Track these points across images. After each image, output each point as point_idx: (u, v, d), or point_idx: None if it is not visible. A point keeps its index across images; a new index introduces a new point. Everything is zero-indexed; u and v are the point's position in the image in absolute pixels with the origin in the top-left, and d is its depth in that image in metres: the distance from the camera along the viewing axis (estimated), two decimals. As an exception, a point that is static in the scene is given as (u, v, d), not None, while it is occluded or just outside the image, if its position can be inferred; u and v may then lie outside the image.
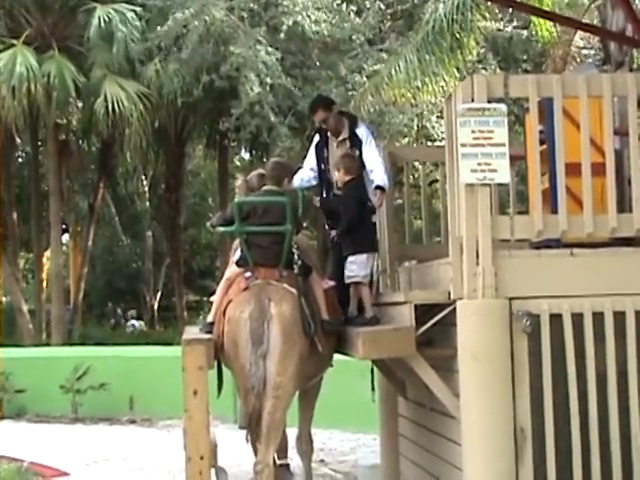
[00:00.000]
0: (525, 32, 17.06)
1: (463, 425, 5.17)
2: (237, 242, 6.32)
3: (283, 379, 5.54)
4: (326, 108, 6.88)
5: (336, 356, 6.46)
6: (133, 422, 12.12)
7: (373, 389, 7.17)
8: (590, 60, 16.50)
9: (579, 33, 16.36)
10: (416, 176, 13.69)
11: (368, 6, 17.46)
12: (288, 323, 5.60)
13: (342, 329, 6.18)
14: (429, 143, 17.20)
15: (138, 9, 18.05)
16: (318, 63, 17.20)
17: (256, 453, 5.68)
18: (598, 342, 5.17)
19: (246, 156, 23.76)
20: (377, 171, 6.58)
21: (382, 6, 17.66)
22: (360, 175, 6.56)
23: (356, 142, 6.72)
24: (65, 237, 27.81)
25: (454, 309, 5.25)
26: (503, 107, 5.22)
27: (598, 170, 5.27)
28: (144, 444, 10.37)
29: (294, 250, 5.87)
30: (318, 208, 7.10)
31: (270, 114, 16.21)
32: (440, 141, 16.10)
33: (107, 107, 17.58)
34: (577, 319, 5.18)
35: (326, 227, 7.30)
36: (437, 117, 16.92)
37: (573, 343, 5.16)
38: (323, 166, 6.88)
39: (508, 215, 5.51)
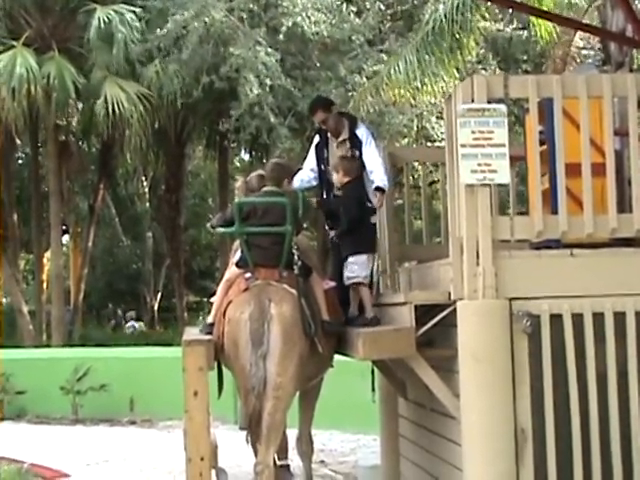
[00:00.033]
0: (525, 33, 17.05)
1: (463, 426, 5.17)
2: (237, 243, 6.33)
3: (283, 380, 5.54)
4: (326, 109, 6.88)
5: (336, 357, 6.47)
6: (133, 423, 12.11)
7: (373, 390, 7.17)
8: (590, 60, 16.51)
9: (579, 33, 16.38)
10: (416, 177, 13.69)
11: (368, 7, 17.46)
12: (288, 324, 5.60)
13: (342, 330, 6.18)
14: (429, 144, 17.20)
15: (138, 10, 18.03)
16: (318, 64, 17.19)
17: (256, 454, 5.68)
18: (598, 342, 5.18)
19: (246, 157, 23.76)
20: (377, 172, 6.58)
21: (382, 7, 17.64)
22: (359, 176, 6.56)
23: (356, 143, 6.72)
24: (65, 238, 27.80)
25: (454, 310, 5.25)
26: (503, 108, 5.22)
27: (598, 170, 5.27)
28: (144, 445, 10.37)
29: (294, 251, 5.88)
30: (318, 209, 7.10)
31: (270, 115, 16.21)
32: (440, 142, 16.10)
33: (107, 108, 17.57)
34: (577, 319, 5.18)
35: (326, 228, 7.30)
36: (437, 118, 16.92)
37: (573, 343, 5.16)
38: (323, 167, 6.88)
39: (508, 216, 5.51)
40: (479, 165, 5.14)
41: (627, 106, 5.36)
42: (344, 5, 17.00)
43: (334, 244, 6.77)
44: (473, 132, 5.16)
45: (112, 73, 18.03)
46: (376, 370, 7.05)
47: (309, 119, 12.09)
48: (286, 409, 5.74)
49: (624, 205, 5.47)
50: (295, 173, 6.79)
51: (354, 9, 17.17)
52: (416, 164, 8.70)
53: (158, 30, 16.90)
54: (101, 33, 17.93)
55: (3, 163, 21.28)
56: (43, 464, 8.79)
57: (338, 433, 10.29)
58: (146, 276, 30.31)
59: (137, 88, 17.84)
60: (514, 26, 17.35)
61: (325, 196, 6.90)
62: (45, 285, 24.12)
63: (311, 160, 7.02)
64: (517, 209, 7.16)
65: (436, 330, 5.52)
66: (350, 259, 6.37)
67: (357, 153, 6.67)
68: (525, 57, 18.53)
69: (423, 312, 5.53)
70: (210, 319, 6.17)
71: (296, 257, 5.88)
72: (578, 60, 17.24)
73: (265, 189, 6.19)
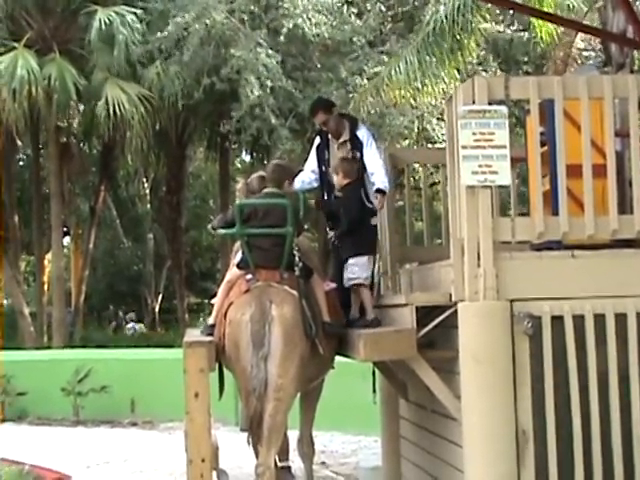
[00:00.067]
0: (526, 34, 17.05)
1: (464, 427, 5.17)
2: (238, 244, 6.33)
3: (284, 381, 5.54)
4: (326, 110, 6.88)
5: (337, 358, 6.47)
6: (134, 424, 12.11)
7: (374, 391, 7.16)
8: (591, 62, 16.51)
9: (580, 35, 16.37)
10: (417, 178, 13.69)
11: (369, 8, 17.45)
12: (289, 325, 5.60)
13: (343, 331, 6.18)
14: (430, 145, 17.19)
15: (139, 12, 18.05)
16: (319, 65, 17.19)
17: (257, 455, 5.67)
18: (599, 344, 5.18)
19: (247, 158, 23.77)
20: (378, 174, 6.58)
21: (383, 8, 17.64)
22: (360, 178, 6.56)
23: (357, 144, 6.72)
24: (66, 240, 27.80)
25: (455, 311, 5.25)
26: (504, 109, 5.23)
27: (599, 172, 5.27)
28: (145, 446, 10.37)
29: (295, 252, 5.88)
30: (319, 210, 7.10)
31: (271, 116, 16.21)
32: (441, 143, 16.09)
33: (108, 110, 17.58)
34: (578, 321, 5.18)
35: (327, 229, 7.30)
36: (438, 119, 16.92)
37: (574, 345, 5.16)
38: (324, 168, 6.88)
39: (509, 217, 5.51)
40: (480, 166, 5.15)
41: (628, 107, 5.36)
42: (345, 7, 17.00)
43: (335, 246, 6.77)
44: (474, 133, 5.16)
45: (113, 75, 18.03)
46: (377, 371, 7.05)
47: (310, 120, 12.08)
48: (287, 411, 5.74)
49: (625, 206, 5.47)
50: (296, 175, 6.78)
51: (355, 11, 17.16)
52: (417, 165, 8.70)
53: (159, 32, 16.91)
54: (102, 35, 17.94)
55: (4, 165, 21.27)
56: (44, 466, 8.77)
57: (339, 434, 10.28)
58: (147, 278, 30.32)
59: (138, 90, 17.84)
60: (515, 28, 17.35)
61: (326, 197, 6.90)
62: (46, 287, 24.12)
63: (312, 161, 7.02)
64: (518, 210, 7.16)
65: (437, 331, 5.52)
66: (350, 261, 6.37)
67: (358, 154, 6.67)
68: (526, 59, 18.52)
69: (424, 313, 5.53)
70: (211, 320, 6.17)
71: (297, 258, 5.88)
72: (579, 61, 17.24)
73: (266, 190, 6.19)
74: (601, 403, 5.16)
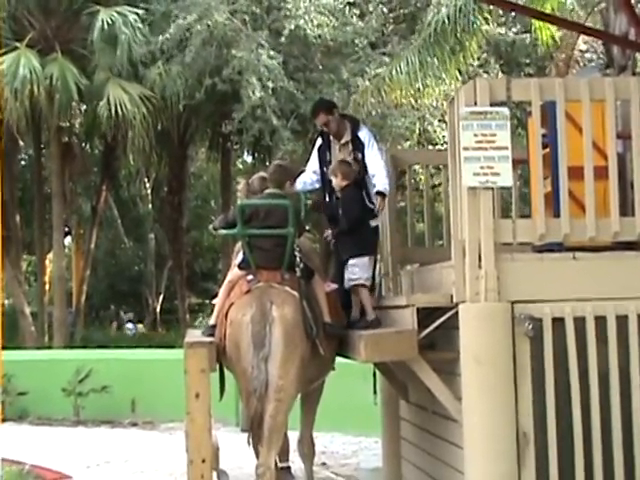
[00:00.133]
0: (527, 36, 17.05)
1: (465, 428, 5.17)
2: (239, 245, 6.33)
3: (285, 382, 5.54)
4: (328, 111, 6.88)
5: (338, 359, 6.47)
6: (135, 425, 12.10)
7: (375, 392, 7.17)
8: (593, 64, 16.52)
9: (582, 37, 16.38)
10: (418, 179, 13.69)
11: (371, 10, 17.46)
12: (290, 326, 5.60)
13: (344, 332, 6.18)
14: (431, 147, 17.20)
15: (141, 12, 18.07)
16: (320, 66, 17.20)
17: (258, 456, 5.67)
18: (600, 346, 5.17)
19: (248, 159, 23.78)
20: (379, 176, 6.58)
21: (385, 10, 17.66)
22: (359, 179, 6.56)
23: (358, 145, 6.72)
24: (68, 240, 27.83)
25: (456, 312, 5.25)
26: (506, 110, 5.23)
27: (601, 174, 5.28)
28: (146, 447, 10.36)
29: (296, 253, 5.88)
30: (316, 212, 7.10)
31: (272, 117, 16.22)
32: (442, 145, 16.10)
33: (110, 110, 17.59)
34: (579, 323, 5.18)
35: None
36: (439, 121, 16.92)
37: (575, 347, 5.16)
38: (325, 169, 6.87)
39: (511, 218, 5.51)
40: (482, 168, 5.15)
41: (629, 109, 5.36)
42: (347, 8, 17.02)
43: (335, 246, 6.76)
44: (476, 135, 5.16)
45: (115, 75, 18.05)
46: (378, 372, 7.05)
47: (311, 121, 12.07)
48: (288, 411, 5.74)
49: (626, 208, 5.47)
50: (297, 175, 6.79)
51: (357, 12, 17.17)
52: (418, 167, 8.70)
53: (161, 33, 16.92)
54: (104, 35, 17.95)
55: (6, 164, 21.22)
56: (44, 465, 8.77)
57: (340, 435, 10.27)
58: (148, 278, 30.33)
59: (140, 90, 17.86)
60: (517, 30, 17.35)
61: (327, 199, 6.89)
62: (47, 287, 24.13)
63: (314, 162, 7.02)
64: (519, 212, 7.16)
65: (438, 333, 5.52)
66: (351, 261, 6.37)
67: (359, 155, 6.68)
68: (528, 60, 18.53)
69: (425, 315, 5.53)
70: (212, 321, 6.17)
71: (298, 259, 5.88)
72: (581, 63, 17.25)
73: (267, 191, 6.19)
74: (602, 405, 5.15)
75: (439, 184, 12.96)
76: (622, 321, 5.20)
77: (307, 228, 7.73)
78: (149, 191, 28.24)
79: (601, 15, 10.58)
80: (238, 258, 6.22)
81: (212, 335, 6.01)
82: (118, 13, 18.03)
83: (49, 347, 19.13)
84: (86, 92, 18.55)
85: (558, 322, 5.17)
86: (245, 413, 5.78)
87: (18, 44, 18.22)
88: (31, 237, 24.95)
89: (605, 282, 5.23)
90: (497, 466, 5.03)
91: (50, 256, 23.66)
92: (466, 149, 5.16)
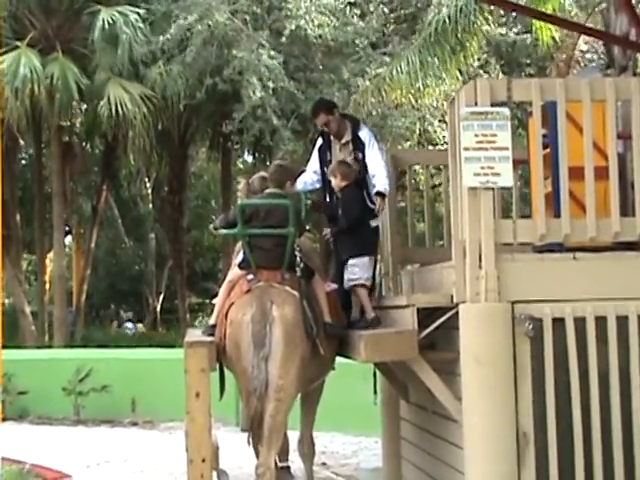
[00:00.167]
0: (528, 37, 17.05)
1: (465, 428, 5.17)
2: (240, 244, 6.33)
3: (285, 382, 5.54)
4: (328, 111, 6.88)
5: (338, 359, 6.47)
6: (135, 424, 12.11)
7: (375, 392, 7.17)
8: (594, 64, 16.52)
9: (583, 37, 16.38)
10: (419, 180, 13.69)
11: (371, 10, 17.47)
12: (290, 326, 5.60)
13: (344, 332, 6.18)
14: (431, 147, 17.20)
15: (142, 12, 18.08)
16: (321, 66, 17.21)
17: (258, 456, 5.67)
18: (600, 346, 5.17)
19: (249, 159, 23.78)
20: (379, 176, 6.58)
21: (385, 10, 17.66)
22: (359, 179, 6.56)
23: (359, 145, 6.72)
24: (68, 239, 27.82)
25: (457, 312, 5.25)
26: (506, 111, 5.23)
27: (601, 174, 5.28)
28: (146, 446, 10.36)
29: (297, 253, 5.88)
30: (315, 212, 7.10)
31: (273, 117, 16.22)
32: (442, 145, 16.10)
33: (110, 109, 17.59)
34: (579, 323, 5.18)
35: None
36: (439, 121, 16.93)
37: (575, 347, 5.16)
38: (326, 169, 6.87)
39: (511, 219, 5.52)
40: (482, 168, 5.15)
41: (630, 109, 5.36)
42: (348, 8, 17.02)
43: (336, 247, 6.76)
44: (476, 135, 5.17)
45: (116, 74, 18.05)
46: (378, 372, 7.05)
47: (312, 121, 12.09)
48: (288, 411, 5.74)
49: (627, 209, 5.47)
50: (298, 175, 6.79)
51: (357, 12, 17.18)
52: (418, 167, 8.70)
53: (162, 32, 16.93)
54: (105, 34, 17.95)
55: (6, 164, 21.23)
56: (45, 465, 8.78)
57: (340, 435, 10.28)
58: (148, 277, 30.33)
59: (141, 89, 17.86)
60: (517, 30, 17.35)
61: (328, 199, 6.89)
62: (47, 286, 24.13)
63: (314, 162, 7.02)
64: (520, 212, 7.16)
65: (438, 333, 5.52)
66: (351, 261, 6.37)
67: (360, 155, 6.68)
68: (528, 61, 18.53)
69: (425, 315, 5.53)
70: (212, 321, 6.17)
71: (298, 259, 5.88)
72: (582, 64, 17.25)
73: (268, 191, 6.19)
74: (602, 405, 5.16)
75: (439, 184, 12.96)
76: (622, 321, 5.20)
77: (307, 228, 7.74)
78: (149, 191, 28.24)
79: (602, 15, 10.58)
80: (238, 258, 6.22)
81: (212, 335, 6.01)
82: (119, 13, 18.03)
83: (49, 346, 19.13)
84: (87, 91, 18.55)
85: (558, 322, 5.17)
86: (245, 413, 5.78)
87: (19, 43, 18.22)
88: (31, 236, 24.95)
89: (605, 282, 5.23)
90: (497, 466, 5.04)
91: (50, 255, 23.67)
92: (467, 149, 5.17)
